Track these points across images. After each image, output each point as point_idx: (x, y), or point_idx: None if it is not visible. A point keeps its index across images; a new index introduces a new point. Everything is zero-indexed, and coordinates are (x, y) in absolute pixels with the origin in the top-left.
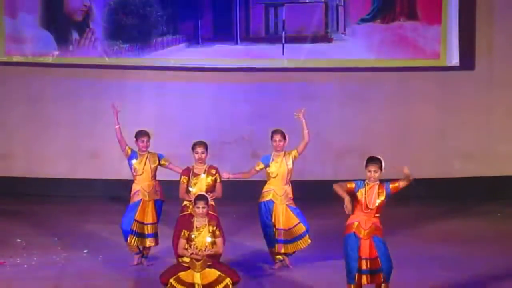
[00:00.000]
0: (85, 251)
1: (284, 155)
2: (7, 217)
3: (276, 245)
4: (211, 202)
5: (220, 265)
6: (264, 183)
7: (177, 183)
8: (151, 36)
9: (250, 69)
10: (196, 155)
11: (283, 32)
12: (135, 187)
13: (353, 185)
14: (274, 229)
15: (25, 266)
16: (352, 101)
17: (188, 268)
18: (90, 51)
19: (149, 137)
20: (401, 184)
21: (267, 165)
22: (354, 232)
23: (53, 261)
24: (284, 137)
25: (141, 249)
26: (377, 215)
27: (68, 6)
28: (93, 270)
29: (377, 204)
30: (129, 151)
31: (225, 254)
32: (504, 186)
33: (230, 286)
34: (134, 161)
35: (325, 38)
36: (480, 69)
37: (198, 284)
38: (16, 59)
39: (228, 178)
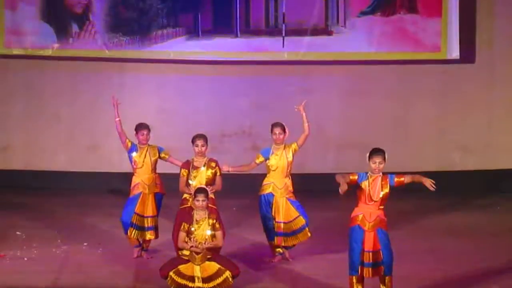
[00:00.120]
0: (85, 244)
1: (284, 148)
2: (7, 210)
3: (276, 238)
4: (211, 195)
5: (220, 258)
6: (264, 176)
7: (177, 176)
8: (151, 29)
9: (250, 62)
10: (196, 148)
11: (283, 25)
12: (135, 180)
13: (355, 176)
14: (274, 222)
15: (25, 259)
16: (352, 94)
17: (188, 261)
18: (90, 43)
19: (149, 130)
20: (406, 180)
21: (267, 158)
22: (358, 225)
23: (53, 254)
24: (284, 130)
25: (141, 242)
26: (381, 207)
27: None
28: (93, 263)
29: (381, 196)
30: (129, 144)
31: (225, 247)
32: (504, 180)
33: (230, 279)
34: (134, 154)
35: (325, 31)
36: (481, 62)
37: (198, 277)
38: (15, 51)
39: (228, 171)
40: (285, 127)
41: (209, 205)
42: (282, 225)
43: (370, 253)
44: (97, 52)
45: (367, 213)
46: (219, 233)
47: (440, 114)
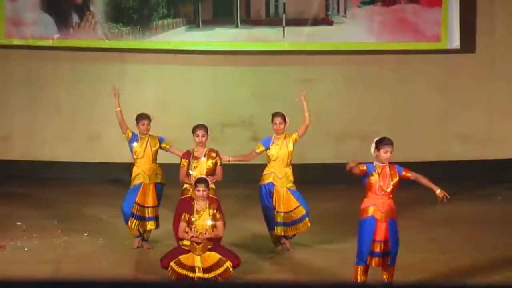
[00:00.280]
0: (85, 234)
1: (285, 138)
2: (7, 200)
3: (276, 228)
4: (212, 185)
5: (221, 248)
6: (264, 166)
7: (177, 166)
8: (151, 19)
9: (251, 52)
10: (197, 138)
11: (284, 15)
12: (136, 170)
13: (364, 167)
14: (274, 211)
15: (26, 249)
16: (353, 84)
17: (189, 251)
18: (90, 34)
19: (150, 120)
20: (412, 177)
21: (267, 148)
22: (372, 216)
23: (53, 244)
24: (285, 120)
25: (142, 232)
26: (391, 196)
27: None
28: (94, 253)
29: (391, 185)
30: (130, 134)
31: (225, 237)
32: (505, 169)
33: (231, 269)
34: (135, 144)
35: (326, 21)
36: (481, 52)
37: (199, 267)
38: (16, 42)
39: (229, 161)
40: (286, 117)
41: (210, 195)
42: (282, 215)
43: (382, 243)
44: (98, 43)
45: (379, 204)
46: (219, 223)
47: (441, 104)
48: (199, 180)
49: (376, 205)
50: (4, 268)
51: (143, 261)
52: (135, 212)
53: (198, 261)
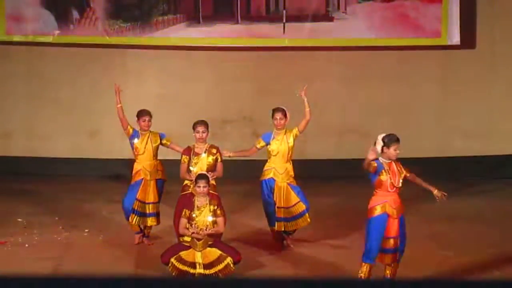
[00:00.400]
0: (86, 230)
1: (285, 133)
2: (8, 196)
3: (277, 223)
4: (212, 182)
5: (221, 245)
6: (265, 162)
7: (178, 162)
8: (151, 15)
9: (251, 48)
10: (197, 135)
11: (284, 11)
12: (137, 166)
13: (375, 164)
14: (275, 207)
15: (26, 245)
16: (353, 80)
17: (189, 247)
18: (90, 30)
19: (150, 116)
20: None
21: (268, 143)
22: (385, 213)
23: (54, 240)
24: (285, 115)
25: (143, 228)
26: (399, 191)
27: None
28: (94, 250)
29: (401, 181)
30: (131, 131)
31: (226, 233)
32: (505, 165)
33: (231, 265)
34: (135, 141)
35: (326, 17)
36: (481, 47)
37: (199, 264)
38: (16, 38)
39: (229, 156)
40: (286, 112)
41: (210, 191)
42: (282, 210)
43: (393, 240)
44: (98, 39)
45: (390, 200)
46: (220, 219)
47: (441, 99)
48: (200, 176)
49: (387, 202)
50: (4, 264)
51: (143, 257)
52: (136, 208)
53: (198, 257)
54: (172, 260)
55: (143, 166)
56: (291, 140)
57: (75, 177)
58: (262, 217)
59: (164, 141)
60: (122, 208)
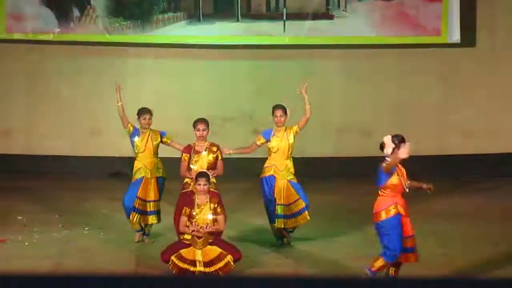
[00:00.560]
0: (86, 228)
1: (285, 130)
2: (8, 194)
3: (277, 220)
4: (212, 179)
5: (222, 242)
6: (265, 160)
7: (178, 160)
8: (152, 13)
9: (251, 46)
10: (197, 133)
11: (284, 9)
12: (137, 164)
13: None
14: (275, 204)
15: (26, 243)
16: (353, 78)
17: (190, 245)
18: (91, 28)
19: (151, 114)
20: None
21: (268, 140)
22: (399, 213)
23: (54, 238)
24: (286, 113)
25: (143, 226)
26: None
27: None
28: (94, 247)
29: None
30: (131, 129)
31: (226, 231)
32: (505, 163)
33: (232, 263)
34: (136, 139)
35: (326, 15)
36: (481, 45)
37: (200, 261)
38: (16, 36)
39: (230, 153)
40: (286, 109)
41: (211, 189)
42: (282, 207)
43: (410, 238)
44: (98, 37)
45: (399, 201)
46: (220, 217)
47: (441, 98)
48: (200, 174)
49: (398, 203)
50: (4, 262)
51: (143, 255)
52: (136, 206)
53: (199, 255)
54: (173, 258)
55: (143, 164)
56: (291, 137)
57: (75, 175)
58: (262, 215)
59: (164, 139)
60: (122, 206)
